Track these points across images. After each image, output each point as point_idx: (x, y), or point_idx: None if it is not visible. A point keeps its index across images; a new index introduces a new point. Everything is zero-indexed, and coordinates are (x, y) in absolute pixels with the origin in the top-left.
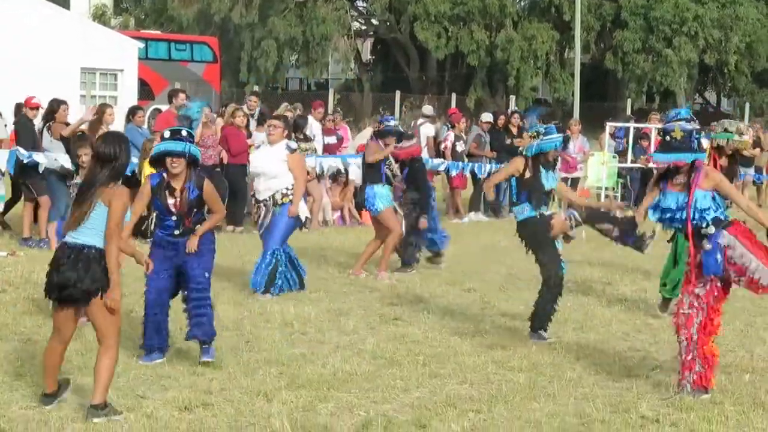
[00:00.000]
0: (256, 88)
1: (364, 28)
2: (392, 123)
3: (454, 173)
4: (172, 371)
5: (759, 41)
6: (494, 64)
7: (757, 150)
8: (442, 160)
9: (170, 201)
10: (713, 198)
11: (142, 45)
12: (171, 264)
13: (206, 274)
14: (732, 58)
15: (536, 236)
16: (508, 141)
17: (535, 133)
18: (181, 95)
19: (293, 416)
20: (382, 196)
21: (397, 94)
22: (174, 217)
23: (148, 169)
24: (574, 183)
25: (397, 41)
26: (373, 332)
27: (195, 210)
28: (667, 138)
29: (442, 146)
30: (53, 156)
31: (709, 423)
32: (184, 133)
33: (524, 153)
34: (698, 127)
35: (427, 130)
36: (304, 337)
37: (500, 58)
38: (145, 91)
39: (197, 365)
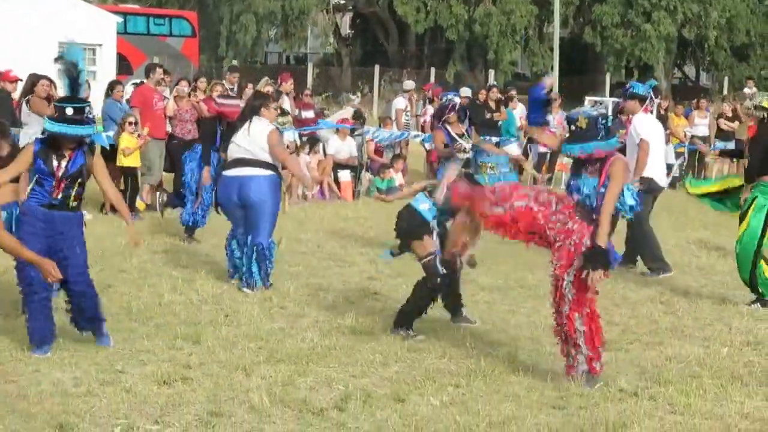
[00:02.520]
0: (234, 62)
1: (343, 2)
2: (453, 98)
3: (429, 147)
4: (151, 345)
5: (738, 16)
6: (473, 39)
7: (735, 123)
8: (419, 132)
9: (61, 164)
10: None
11: (120, 19)
12: (45, 242)
13: (86, 266)
14: (712, 33)
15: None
16: (488, 115)
17: None
18: (159, 70)
19: (272, 390)
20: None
21: (376, 68)
22: (54, 182)
23: (124, 142)
24: (553, 157)
25: (376, 15)
26: (352, 307)
27: (73, 181)
28: (572, 128)
29: (422, 120)
30: (32, 132)
31: (687, 396)
32: (90, 115)
33: None
34: (603, 112)
35: (398, 103)
36: (283, 311)
37: (479, 33)
38: (124, 65)
39: (176, 339)
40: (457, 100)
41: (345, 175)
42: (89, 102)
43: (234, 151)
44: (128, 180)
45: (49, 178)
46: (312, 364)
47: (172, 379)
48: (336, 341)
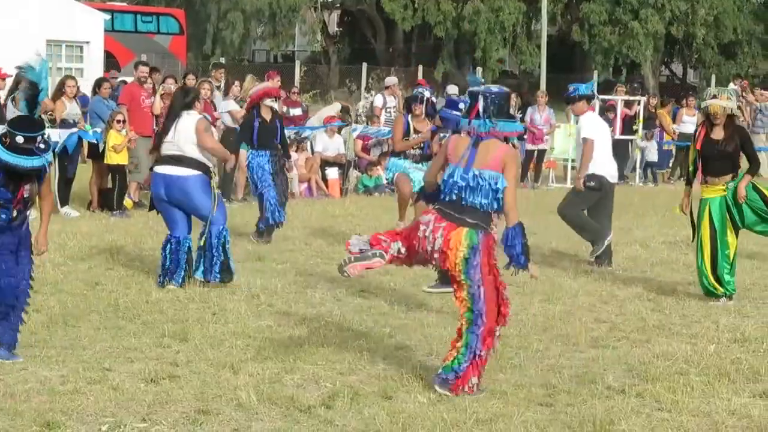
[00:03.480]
0: (222, 60)
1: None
2: (424, 92)
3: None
4: (138, 343)
5: (725, 13)
6: (461, 36)
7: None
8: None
9: (26, 186)
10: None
11: (108, 17)
12: (11, 253)
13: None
14: (699, 31)
15: None
16: None
17: None
18: (141, 68)
19: (260, 388)
20: (396, 166)
21: (364, 66)
22: (13, 205)
23: (112, 139)
24: (541, 155)
25: (364, 13)
26: (340, 304)
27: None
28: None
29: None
30: None
31: (675, 393)
32: (42, 145)
33: None
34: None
35: (376, 100)
36: (270, 308)
37: (467, 30)
38: (112, 63)
39: (163, 337)
40: (428, 94)
41: (332, 173)
42: (44, 129)
43: (164, 148)
44: (116, 178)
45: (10, 204)
46: (299, 362)
47: (159, 376)
48: (323, 338)
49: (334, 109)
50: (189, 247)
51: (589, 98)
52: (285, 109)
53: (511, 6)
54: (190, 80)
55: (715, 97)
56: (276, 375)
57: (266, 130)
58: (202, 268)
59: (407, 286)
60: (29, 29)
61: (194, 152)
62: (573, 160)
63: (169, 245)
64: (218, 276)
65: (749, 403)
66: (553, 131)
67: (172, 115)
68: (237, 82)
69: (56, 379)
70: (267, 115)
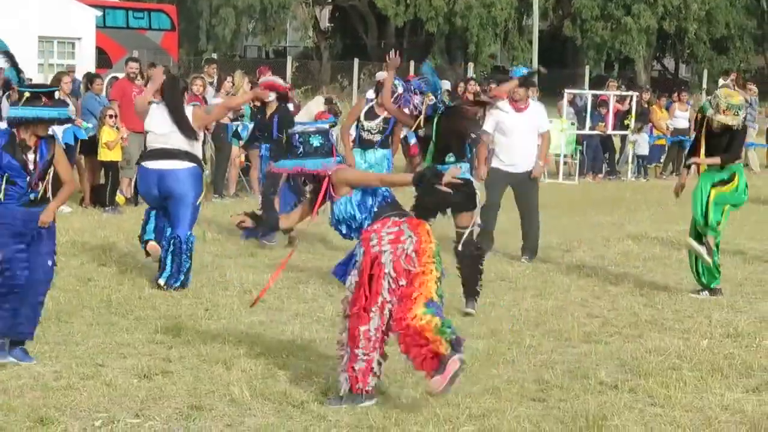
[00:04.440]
0: (214, 55)
1: None
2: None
3: (412, 141)
4: (131, 339)
5: (718, 8)
6: (453, 31)
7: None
8: None
9: (30, 157)
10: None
11: (99, 13)
12: (25, 241)
13: (51, 262)
14: (692, 26)
15: None
16: None
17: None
18: (131, 64)
19: (252, 383)
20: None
21: (356, 61)
22: (28, 178)
23: (106, 136)
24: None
25: (356, 8)
26: (332, 300)
27: (45, 172)
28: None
29: None
30: None
31: (667, 388)
32: (58, 96)
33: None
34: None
35: (368, 94)
36: (262, 304)
37: (459, 25)
38: (103, 59)
39: (156, 333)
40: (401, 89)
41: None
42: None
43: (153, 141)
44: (109, 173)
45: (22, 174)
46: (292, 357)
47: (152, 372)
48: (316, 334)
49: (318, 102)
50: (193, 244)
51: (533, 87)
52: None
53: (503, 1)
54: None
55: (725, 112)
56: (269, 370)
57: (262, 124)
58: (168, 273)
59: None
60: (21, 26)
61: (183, 144)
62: (565, 156)
63: (172, 244)
64: (179, 282)
65: (742, 398)
66: None
67: (181, 108)
68: (229, 78)
69: (49, 375)
70: (269, 110)
